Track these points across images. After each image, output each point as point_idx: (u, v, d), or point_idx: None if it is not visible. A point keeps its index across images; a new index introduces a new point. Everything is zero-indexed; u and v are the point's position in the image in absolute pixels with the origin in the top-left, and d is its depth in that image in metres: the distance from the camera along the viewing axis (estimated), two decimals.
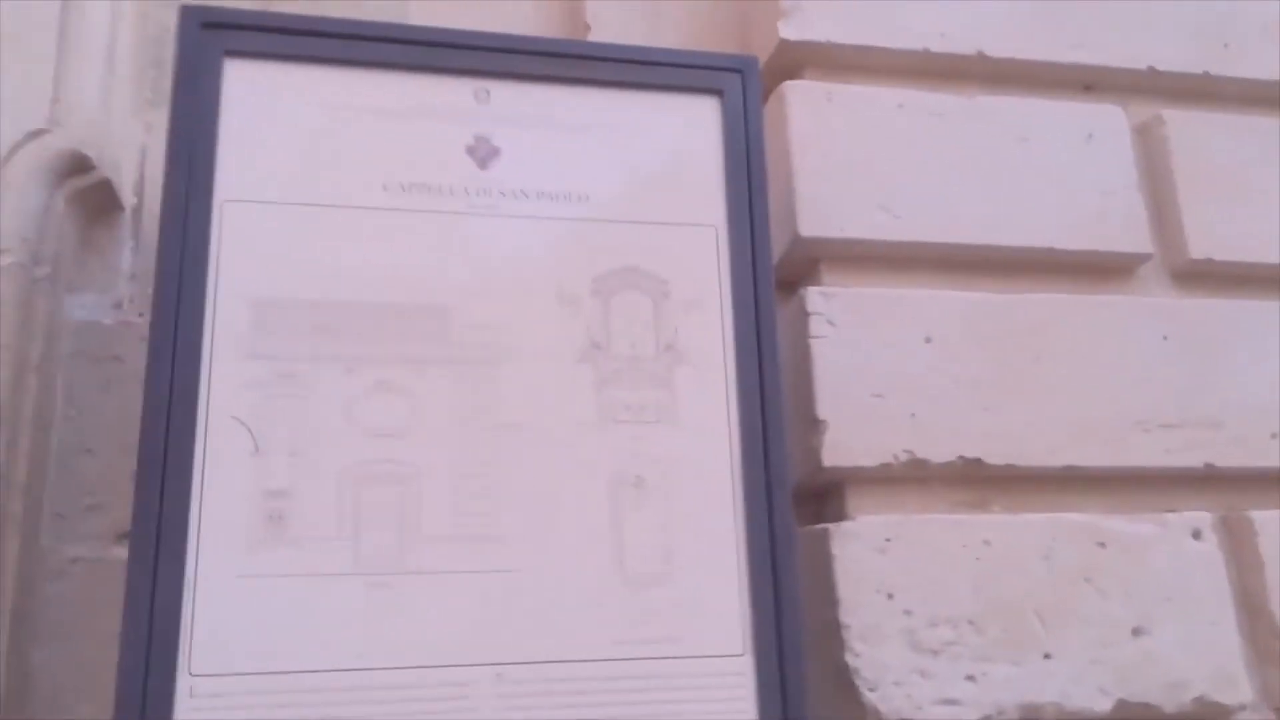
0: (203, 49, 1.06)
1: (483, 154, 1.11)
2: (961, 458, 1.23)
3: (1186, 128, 1.44)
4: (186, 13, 1.07)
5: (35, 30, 1.21)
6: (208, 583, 0.93)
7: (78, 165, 1.22)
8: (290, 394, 1.00)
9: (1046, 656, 1.17)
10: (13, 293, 1.14)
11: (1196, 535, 1.26)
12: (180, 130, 1.03)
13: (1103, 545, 1.22)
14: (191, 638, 0.91)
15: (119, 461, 1.19)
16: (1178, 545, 1.25)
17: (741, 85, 1.18)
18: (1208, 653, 1.21)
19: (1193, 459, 1.29)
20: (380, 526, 0.98)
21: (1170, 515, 1.26)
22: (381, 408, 1.01)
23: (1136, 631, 1.20)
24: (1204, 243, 1.39)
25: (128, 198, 1.30)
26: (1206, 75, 1.47)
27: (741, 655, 1.01)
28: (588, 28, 1.45)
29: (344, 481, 0.98)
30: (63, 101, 1.21)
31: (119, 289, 1.27)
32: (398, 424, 1.01)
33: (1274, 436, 1.32)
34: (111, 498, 1.19)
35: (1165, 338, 1.33)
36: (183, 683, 0.90)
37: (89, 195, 1.24)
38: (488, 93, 1.12)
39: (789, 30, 1.35)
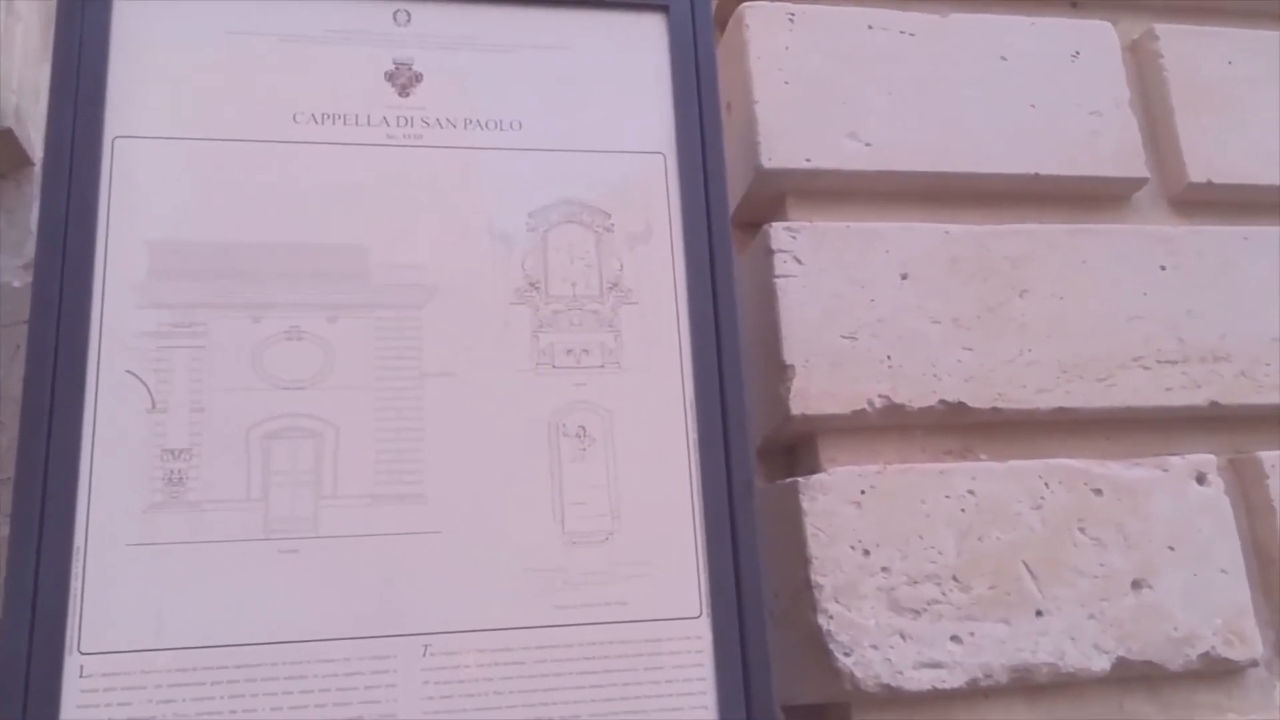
0: None
1: (403, 80, 1.01)
2: (943, 402, 1.13)
3: (1181, 43, 1.34)
4: None
5: None
6: (98, 552, 0.84)
7: None
8: (192, 345, 0.90)
9: (1039, 614, 1.07)
10: None
11: (1201, 479, 1.16)
12: (66, 62, 0.94)
13: (1098, 492, 1.12)
14: (81, 613, 0.83)
15: None
16: (1181, 490, 1.15)
17: (689, 0, 1.08)
18: (1215, 605, 1.11)
19: (1196, 397, 1.19)
20: (292, 487, 0.88)
21: (1172, 458, 1.16)
22: (293, 358, 0.92)
23: (1137, 584, 1.10)
24: (1203, 165, 1.29)
25: (36, 151, 1.21)
26: None
27: (698, 618, 0.91)
28: None
29: (252, 439, 0.89)
30: None
31: (28, 249, 1.18)
32: (311, 375, 0.91)
33: None
34: None
35: (1163, 267, 1.23)
36: (71, 663, 0.81)
37: None
38: (408, 14, 1.02)
39: None
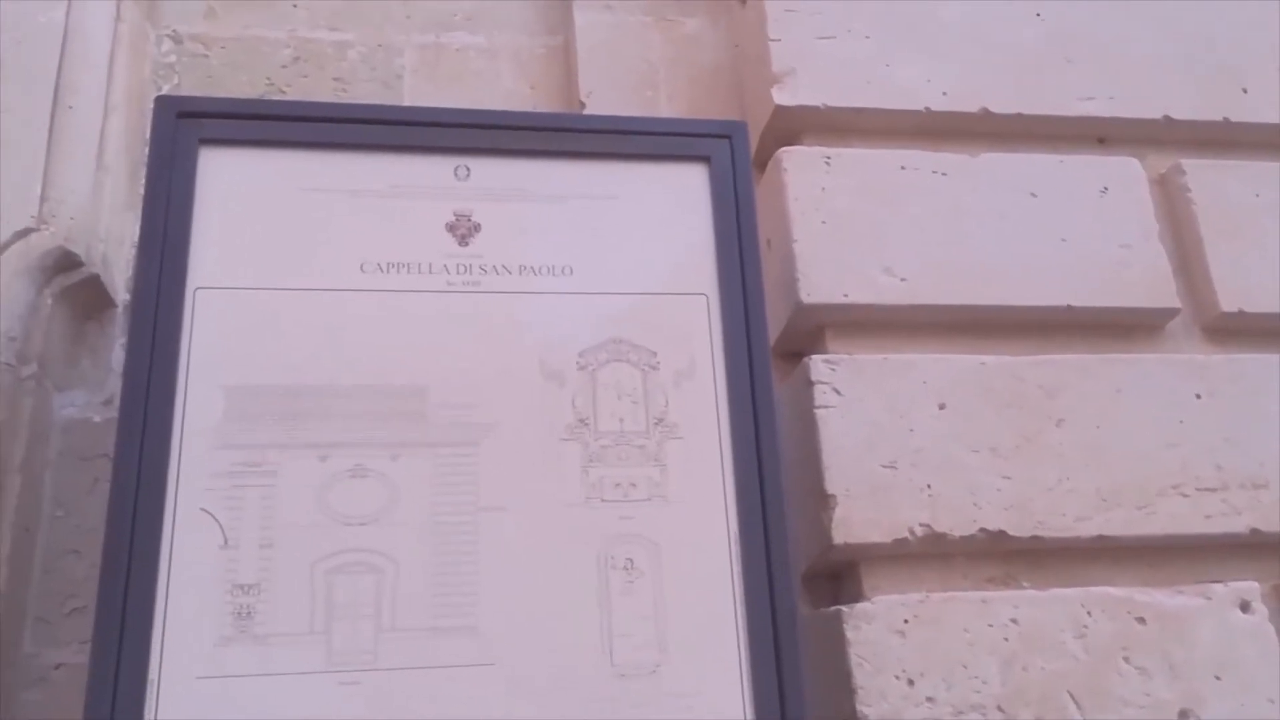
0: (178, 138, 1.05)
1: (463, 230, 1.08)
2: (983, 530, 1.16)
3: (1208, 176, 1.38)
4: (162, 103, 1.07)
5: (25, 130, 1.22)
6: (171, 684, 0.88)
7: (66, 263, 1.21)
8: (262, 484, 0.96)
9: None
10: None
11: (1245, 607, 1.16)
12: (153, 219, 1.02)
13: (1141, 620, 1.13)
14: None
15: None
16: (1224, 618, 1.15)
17: (730, 151, 1.15)
18: None
19: (1236, 524, 1.20)
20: (353, 620, 0.93)
21: (1215, 585, 1.17)
22: (356, 495, 0.97)
23: (1184, 714, 1.10)
24: (1234, 295, 1.32)
25: (120, 294, 1.29)
26: (1226, 122, 1.41)
27: None
28: (583, 105, 1.43)
29: (316, 574, 0.94)
30: (51, 200, 1.21)
31: (109, 386, 1.25)
32: (372, 512, 0.97)
33: None
34: None
35: (1198, 395, 1.25)
36: None
37: (78, 292, 1.23)
38: (467, 169, 1.10)
39: (783, 96, 1.32)
